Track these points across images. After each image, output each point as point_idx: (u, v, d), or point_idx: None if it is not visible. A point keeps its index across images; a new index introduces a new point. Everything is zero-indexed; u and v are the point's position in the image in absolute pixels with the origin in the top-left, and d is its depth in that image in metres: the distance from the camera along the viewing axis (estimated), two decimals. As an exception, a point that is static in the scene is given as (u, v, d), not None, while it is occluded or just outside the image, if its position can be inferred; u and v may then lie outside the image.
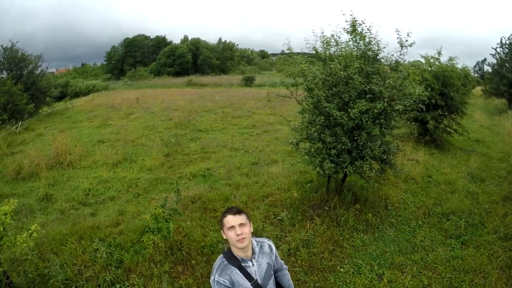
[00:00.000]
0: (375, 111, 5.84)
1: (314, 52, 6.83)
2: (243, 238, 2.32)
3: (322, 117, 6.28)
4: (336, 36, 6.74)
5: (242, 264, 2.39)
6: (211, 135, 15.36)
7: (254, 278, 2.39)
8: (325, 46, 6.71)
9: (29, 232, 4.51)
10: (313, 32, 6.73)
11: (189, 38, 72.11)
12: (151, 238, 5.38)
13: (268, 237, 5.62)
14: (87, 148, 13.68)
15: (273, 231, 6.32)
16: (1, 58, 24.74)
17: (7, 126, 18.74)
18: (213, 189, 8.46)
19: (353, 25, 6.54)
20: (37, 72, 26.51)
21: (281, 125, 16.17)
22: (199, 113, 20.97)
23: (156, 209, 5.62)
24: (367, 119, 5.90)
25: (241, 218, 2.37)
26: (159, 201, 6.69)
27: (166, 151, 12.57)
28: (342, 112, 5.94)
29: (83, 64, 76.41)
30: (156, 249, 5.50)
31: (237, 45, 78.79)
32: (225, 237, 2.41)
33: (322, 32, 6.76)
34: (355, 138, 6.23)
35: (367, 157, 6.09)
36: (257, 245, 2.53)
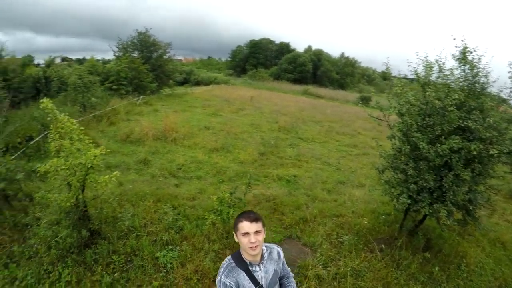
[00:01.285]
0: (469, 152, 5.19)
1: (415, 76, 6.23)
2: (256, 246, 2.36)
3: (409, 147, 5.82)
4: (441, 61, 6.03)
5: (250, 268, 2.45)
6: (310, 145, 15.46)
7: (260, 283, 2.46)
8: (426, 71, 6.07)
9: (110, 175, 5.48)
10: (417, 55, 6.18)
11: (313, 48, 72.51)
12: (211, 217, 6.20)
13: (321, 254, 6.00)
14: (193, 131, 15.24)
15: (329, 251, 6.28)
16: (135, 40, 28.96)
17: (129, 97, 21.81)
18: (290, 195, 8.79)
19: (464, 52, 5.74)
20: (165, 57, 30.05)
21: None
22: (306, 122, 21.19)
23: (223, 193, 6.42)
24: (457, 159, 5.26)
25: (257, 226, 2.36)
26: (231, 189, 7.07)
27: (262, 150, 13.20)
28: (431, 146, 5.40)
29: (209, 57, 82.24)
30: (214, 229, 6.34)
31: (360, 62, 76.93)
32: (236, 240, 2.46)
33: (426, 56, 6.15)
34: (441, 177, 5.60)
35: (448, 202, 5.39)
36: (267, 251, 2.59)
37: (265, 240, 2.54)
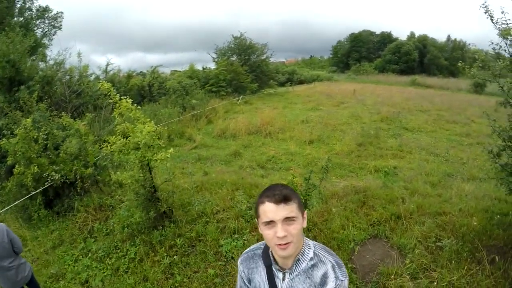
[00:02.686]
0: None
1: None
2: (287, 244, 1.46)
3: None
4: None
5: (272, 268, 1.65)
6: (415, 135, 14.12)
7: None
8: None
9: (166, 152, 5.38)
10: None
11: (416, 35, 66.34)
12: None
13: (411, 261, 4.64)
14: (289, 125, 14.95)
15: (423, 257, 4.84)
16: (232, 45, 30.32)
17: (229, 98, 22.91)
18: (385, 187, 7.60)
19: None
20: (263, 58, 30.85)
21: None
22: (411, 112, 19.61)
23: (293, 177, 5.65)
24: None
25: (287, 209, 1.45)
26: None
27: (361, 140, 12.31)
28: None
29: (311, 57, 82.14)
30: None
31: (469, 44, 68.13)
32: (260, 232, 1.56)
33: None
34: None
35: None
36: (309, 260, 1.59)
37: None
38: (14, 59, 9.65)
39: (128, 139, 5.27)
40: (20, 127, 6.82)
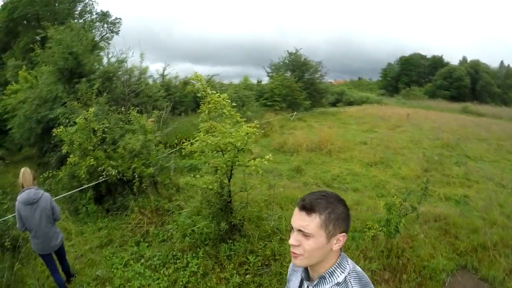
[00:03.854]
0: None
1: None
2: (295, 254, 1.34)
3: None
4: None
5: (304, 279, 1.51)
6: (478, 164, 13.38)
7: None
8: None
9: (262, 159, 4.85)
10: None
11: (468, 60, 63.40)
12: (375, 228, 5.03)
13: None
14: (348, 145, 14.60)
15: None
16: (287, 61, 30.17)
17: (284, 113, 22.48)
18: (463, 216, 7.21)
19: None
20: (317, 75, 30.39)
21: None
22: (470, 140, 18.92)
23: (394, 197, 5.14)
24: None
25: (306, 221, 1.30)
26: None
27: (426, 166, 11.91)
28: None
29: (359, 78, 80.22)
30: (374, 245, 5.24)
31: None
32: None
33: None
34: None
35: None
36: (335, 284, 1.37)
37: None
38: (77, 51, 9.55)
39: (218, 138, 4.72)
40: (81, 117, 6.46)
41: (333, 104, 37.65)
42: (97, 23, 25.39)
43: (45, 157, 9.65)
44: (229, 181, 5.04)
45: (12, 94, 12.42)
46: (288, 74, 28.78)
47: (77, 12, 24.37)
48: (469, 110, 42.42)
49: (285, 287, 1.68)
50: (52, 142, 8.55)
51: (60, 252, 4.44)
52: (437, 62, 65.97)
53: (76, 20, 23.02)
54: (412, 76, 65.30)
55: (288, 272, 1.68)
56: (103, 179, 6.40)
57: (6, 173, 12.50)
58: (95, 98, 8.25)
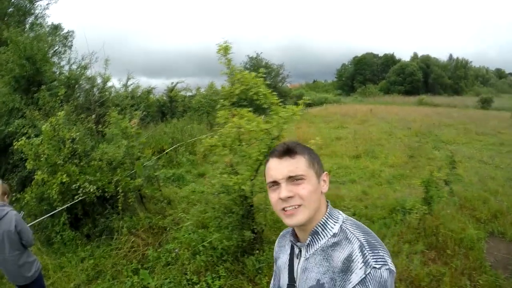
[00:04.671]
0: None
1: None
2: (294, 208, 1.12)
3: None
4: None
5: (294, 247, 1.28)
6: (454, 147, 14.08)
7: (295, 280, 1.23)
8: None
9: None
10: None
11: (419, 55, 67.00)
12: (418, 208, 5.08)
13: None
14: (325, 141, 14.58)
15: None
16: (248, 66, 30.83)
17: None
18: (466, 191, 7.55)
19: None
20: (278, 79, 31.25)
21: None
22: (438, 127, 20.06)
23: (432, 173, 5.26)
24: None
25: (293, 164, 1.13)
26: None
27: (410, 152, 12.49)
28: None
29: (314, 81, 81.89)
30: (407, 228, 5.24)
31: (471, 62, 68.44)
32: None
33: None
34: None
35: None
36: (332, 236, 1.15)
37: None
38: (36, 56, 8.32)
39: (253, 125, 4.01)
40: (47, 124, 5.37)
41: (308, 105, 38.02)
42: (49, 38, 23.56)
43: (3, 179, 8.18)
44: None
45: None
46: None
47: (27, 26, 22.55)
48: (425, 102, 44.50)
49: (273, 270, 1.46)
50: (11, 161, 7.27)
51: None
52: (389, 60, 69.08)
53: (26, 34, 21.19)
54: (366, 74, 67.97)
55: (275, 250, 1.43)
56: (80, 198, 5.27)
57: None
58: (60, 107, 7.12)
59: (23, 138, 5.45)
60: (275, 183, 1.14)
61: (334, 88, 68.30)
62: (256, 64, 29.78)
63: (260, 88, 4.16)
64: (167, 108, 21.72)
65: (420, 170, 10.02)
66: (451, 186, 5.72)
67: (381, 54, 72.07)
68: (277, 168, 1.14)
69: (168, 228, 5.28)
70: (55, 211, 5.26)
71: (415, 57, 67.34)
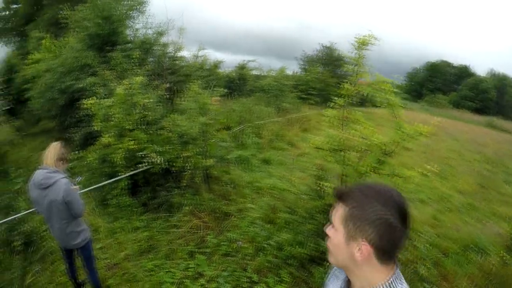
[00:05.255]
0: None
1: None
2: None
3: None
4: None
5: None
6: None
7: None
8: None
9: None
10: None
11: (495, 72, 62.42)
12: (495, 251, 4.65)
13: None
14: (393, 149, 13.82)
15: None
16: (320, 54, 29.60)
17: (317, 107, 21.64)
18: None
19: None
20: (350, 73, 29.52)
21: None
22: (509, 157, 18.18)
23: None
24: None
25: (335, 207, 1.09)
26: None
27: (479, 181, 11.42)
28: None
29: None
30: (478, 270, 4.63)
31: None
32: None
33: None
34: None
35: None
36: None
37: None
38: (113, 17, 8.27)
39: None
40: (121, 87, 5.17)
41: (360, 104, 36.88)
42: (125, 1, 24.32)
43: (66, 132, 8.34)
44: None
45: (33, 64, 11.24)
46: (321, 68, 28.03)
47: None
48: (494, 125, 41.24)
49: None
50: (77, 116, 7.32)
51: (85, 256, 3.30)
52: (463, 72, 64.24)
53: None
54: (438, 83, 63.72)
55: (327, 276, 1.32)
56: (144, 168, 5.10)
57: (22, 146, 11.54)
58: (133, 70, 6.99)
59: (94, 97, 5.31)
60: None
61: (403, 91, 65.38)
62: (328, 54, 28.93)
63: (389, 95, 3.79)
64: (235, 85, 21.42)
65: (490, 204, 9.29)
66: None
67: (455, 63, 67.27)
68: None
69: (231, 215, 4.95)
70: (118, 178, 5.10)
71: (491, 73, 62.74)
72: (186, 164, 5.05)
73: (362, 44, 3.73)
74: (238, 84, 21.61)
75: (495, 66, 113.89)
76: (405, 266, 4.44)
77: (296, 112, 17.06)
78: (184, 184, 5.16)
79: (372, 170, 3.51)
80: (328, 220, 1.13)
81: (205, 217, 4.81)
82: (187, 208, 4.91)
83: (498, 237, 6.14)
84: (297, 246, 3.75)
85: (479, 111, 51.06)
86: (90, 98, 5.32)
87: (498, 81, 59.21)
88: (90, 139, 6.15)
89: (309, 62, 28.96)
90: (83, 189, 4.61)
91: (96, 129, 5.30)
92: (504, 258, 4.54)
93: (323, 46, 29.42)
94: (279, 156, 9.49)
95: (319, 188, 3.84)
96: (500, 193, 10.68)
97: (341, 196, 1.07)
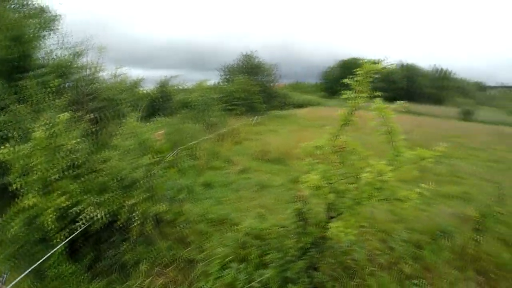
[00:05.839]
0: None
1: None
2: None
3: None
4: None
5: None
6: (452, 161, 14.05)
7: None
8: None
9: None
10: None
11: (404, 63, 68.69)
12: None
13: None
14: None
15: None
16: (240, 63, 29.58)
17: (243, 118, 21.53)
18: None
19: None
20: (270, 79, 30.12)
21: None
22: (435, 140, 19.50)
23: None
24: None
25: None
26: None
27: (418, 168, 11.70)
28: None
29: (296, 82, 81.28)
30: (452, 253, 5.14)
31: (454, 73, 69.54)
32: None
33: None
34: None
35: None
36: None
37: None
38: (23, 37, 6.92)
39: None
40: (40, 131, 4.16)
41: (281, 107, 37.53)
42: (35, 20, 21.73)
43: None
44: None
45: None
46: (241, 77, 27.86)
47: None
48: (411, 110, 44.44)
49: None
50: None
51: None
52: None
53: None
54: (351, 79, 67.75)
55: None
56: (82, 226, 4.10)
57: None
58: (50, 99, 5.87)
59: (6, 146, 4.21)
60: None
61: (318, 90, 67.94)
62: (248, 62, 29.04)
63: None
64: (158, 103, 19.99)
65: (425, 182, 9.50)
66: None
67: (367, 59, 72.73)
68: None
69: (196, 262, 4.27)
70: (50, 253, 4.05)
71: (401, 65, 68.24)
72: (133, 214, 4.23)
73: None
74: (161, 102, 20.36)
75: (404, 58, 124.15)
76: (389, 269, 4.58)
77: (224, 125, 16.73)
78: (135, 237, 4.31)
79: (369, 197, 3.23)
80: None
81: (170, 272, 4.07)
82: (144, 267, 4.10)
83: (455, 218, 6.60)
84: (289, 284, 3.29)
85: (392, 99, 54.69)
86: (3, 146, 4.22)
87: (407, 71, 64.63)
88: (6, 198, 4.93)
89: (231, 72, 29.09)
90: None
91: (15, 186, 4.16)
92: (476, 239, 5.14)
93: (243, 55, 29.64)
94: (219, 176, 8.84)
95: (303, 221, 3.37)
96: (436, 174, 11.14)
97: None
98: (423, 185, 3.50)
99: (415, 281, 4.41)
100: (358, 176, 3.39)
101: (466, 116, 41.06)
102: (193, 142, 10.66)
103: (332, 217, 3.63)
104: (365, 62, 3.80)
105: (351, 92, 3.78)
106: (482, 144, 19.01)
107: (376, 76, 4.01)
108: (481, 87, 77.58)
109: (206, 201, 6.81)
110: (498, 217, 5.85)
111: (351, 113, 3.83)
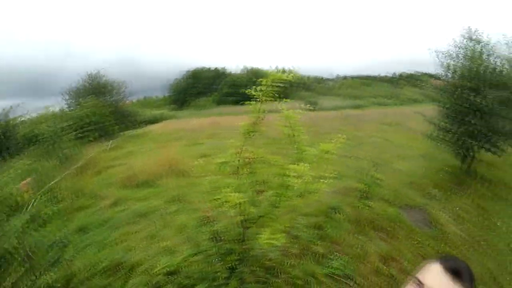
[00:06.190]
0: None
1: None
2: None
3: None
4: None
5: None
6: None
7: None
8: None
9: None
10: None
11: (248, 67, 73.92)
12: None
13: None
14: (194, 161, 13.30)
15: None
16: (86, 84, 26.91)
17: (98, 144, 19.99)
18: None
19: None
20: (120, 97, 28.48)
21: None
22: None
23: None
24: None
25: (450, 285, 1.10)
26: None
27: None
28: None
29: (144, 97, 79.25)
30: (348, 222, 6.04)
31: (295, 72, 79.99)
32: None
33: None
34: None
35: None
36: None
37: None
38: None
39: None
40: None
41: (134, 127, 36.05)
42: None
43: None
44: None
45: None
46: (89, 99, 25.58)
47: None
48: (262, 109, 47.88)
49: None
50: None
51: None
52: (221, 73, 72.35)
53: None
54: (199, 88, 69.18)
55: None
56: None
57: None
58: None
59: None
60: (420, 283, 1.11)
61: (167, 103, 67.40)
62: (94, 82, 27.01)
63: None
64: (1, 143, 16.90)
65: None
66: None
67: (213, 68, 75.61)
68: (431, 276, 1.09)
69: None
70: None
71: (245, 69, 73.03)
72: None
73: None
74: (4, 140, 16.93)
75: (247, 62, 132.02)
76: (304, 256, 4.89)
77: (80, 156, 15.25)
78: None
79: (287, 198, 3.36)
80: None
81: None
82: None
83: (337, 194, 7.30)
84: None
85: (240, 102, 58.28)
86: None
87: (252, 74, 69.23)
88: None
89: (76, 94, 26.49)
90: None
91: None
92: (368, 204, 6.22)
93: (88, 75, 27.41)
94: (91, 216, 7.75)
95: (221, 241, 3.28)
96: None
97: (458, 274, 1.07)
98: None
99: (331, 256, 4.83)
100: (269, 183, 3.51)
101: (313, 105, 45.60)
102: (51, 183, 9.25)
103: (248, 228, 3.61)
104: (270, 72, 3.82)
105: (255, 103, 3.79)
106: (332, 129, 20.15)
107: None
108: (319, 80, 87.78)
109: (88, 249, 5.80)
110: (378, 183, 6.76)
111: (256, 123, 3.82)
